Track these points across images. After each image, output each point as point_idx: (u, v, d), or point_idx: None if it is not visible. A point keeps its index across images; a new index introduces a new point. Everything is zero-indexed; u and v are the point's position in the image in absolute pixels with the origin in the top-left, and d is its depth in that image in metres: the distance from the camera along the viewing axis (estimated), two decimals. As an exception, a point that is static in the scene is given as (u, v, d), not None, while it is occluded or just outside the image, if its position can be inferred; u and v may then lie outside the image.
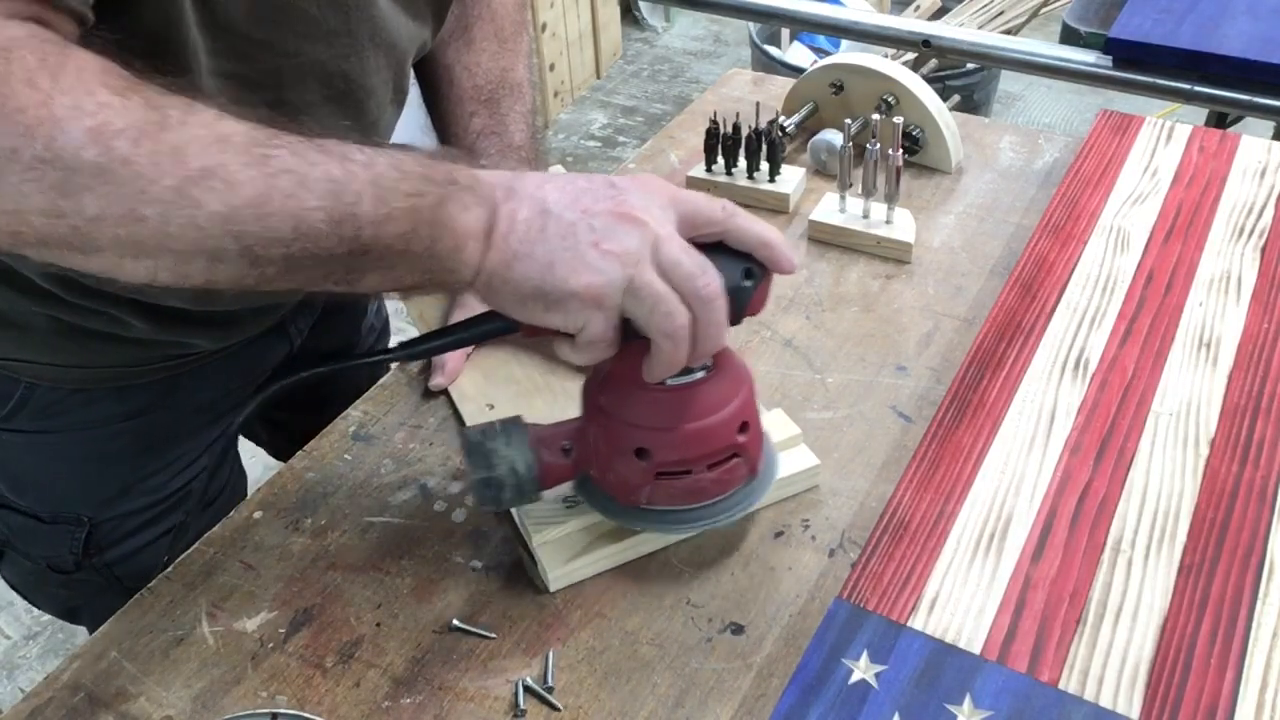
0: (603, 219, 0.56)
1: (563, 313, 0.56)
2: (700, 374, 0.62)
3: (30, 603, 0.96)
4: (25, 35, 0.48)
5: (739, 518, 0.67)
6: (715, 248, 0.59)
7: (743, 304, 0.60)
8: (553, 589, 0.68)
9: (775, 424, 0.74)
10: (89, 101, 0.47)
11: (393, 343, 1.17)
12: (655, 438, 0.62)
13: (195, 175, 0.49)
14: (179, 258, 0.51)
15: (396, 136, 0.90)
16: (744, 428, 0.64)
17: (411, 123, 0.92)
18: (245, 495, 0.97)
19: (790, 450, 0.74)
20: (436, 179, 0.56)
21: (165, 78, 0.51)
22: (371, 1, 0.71)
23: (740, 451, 0.65)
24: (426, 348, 0.65)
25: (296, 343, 0.95)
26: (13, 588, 0.95)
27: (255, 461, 1.16)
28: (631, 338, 0.58)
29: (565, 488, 0.68)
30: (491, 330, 0.63)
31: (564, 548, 0.68)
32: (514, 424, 0.65)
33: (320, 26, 0.68)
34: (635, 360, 0.60)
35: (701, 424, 0.62)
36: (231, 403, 0.92)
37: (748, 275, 0.60)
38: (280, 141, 0.52)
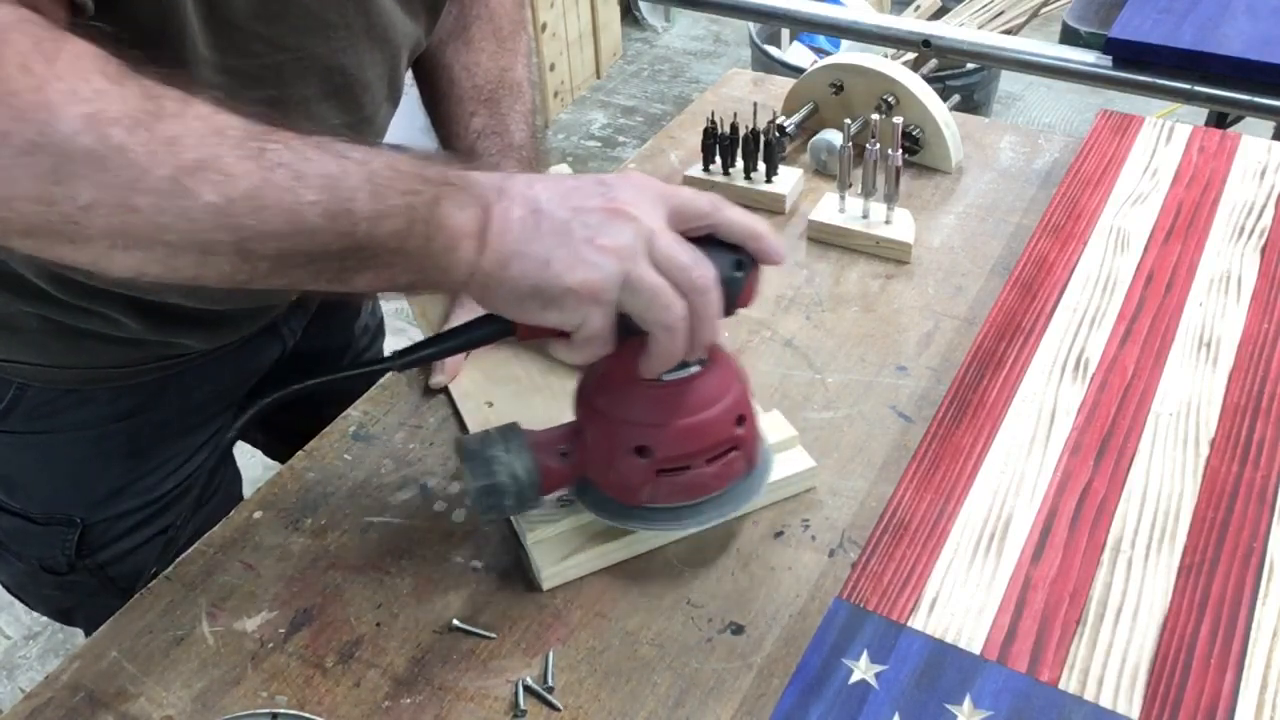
0: (595, 215, 0.57)
1: (560, 310, 0.56)
2: (695, 368, 0.63)
3: (24, 604, 0.96)
4: (18, 19, 0.48)
5: (738, 513, 0.67)
6: (705, 240, 0.59)
7: (734, 294, 0.60)
8: (546, 587, 0.68)
9: (772, 425, 0.74)
10: (85, 88, 0.47)
11: (388, 343, 1.17)
12: (655, 434, 0.63)
13: (190, 166, 0.49)
14: (170, 250, 0.50)
15: (396, 138, 0.90)
16: (741, 420, 0.65)
17: (411, 124, 0.92)
18: (241, 497, 0.97)
19: (787, 452, 0.74)
20: (431, 178, 0.56)
21: (160, 69, 0.51)
22: None
23: (738, 444, 0.65)
24: (420, 356, 0.65)
25: (290, 344, 0.95)
26: (6, 589, 0.94)
27: (255, 461, 1.16)
28: (625, 335, 0.58)
29: None
30: (487, 334, 0.63)
31: (558, 546, 0.68)
32: (512, 430, 0.65)
33: (318, 20, 0.68)
34: (630, 358, 0.60)
35: (700, 417, 0.63)
36: (224, 404, 0.92)
37: (738, 266, 0.60)
38: (277, 136, 0.52)
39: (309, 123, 0.72)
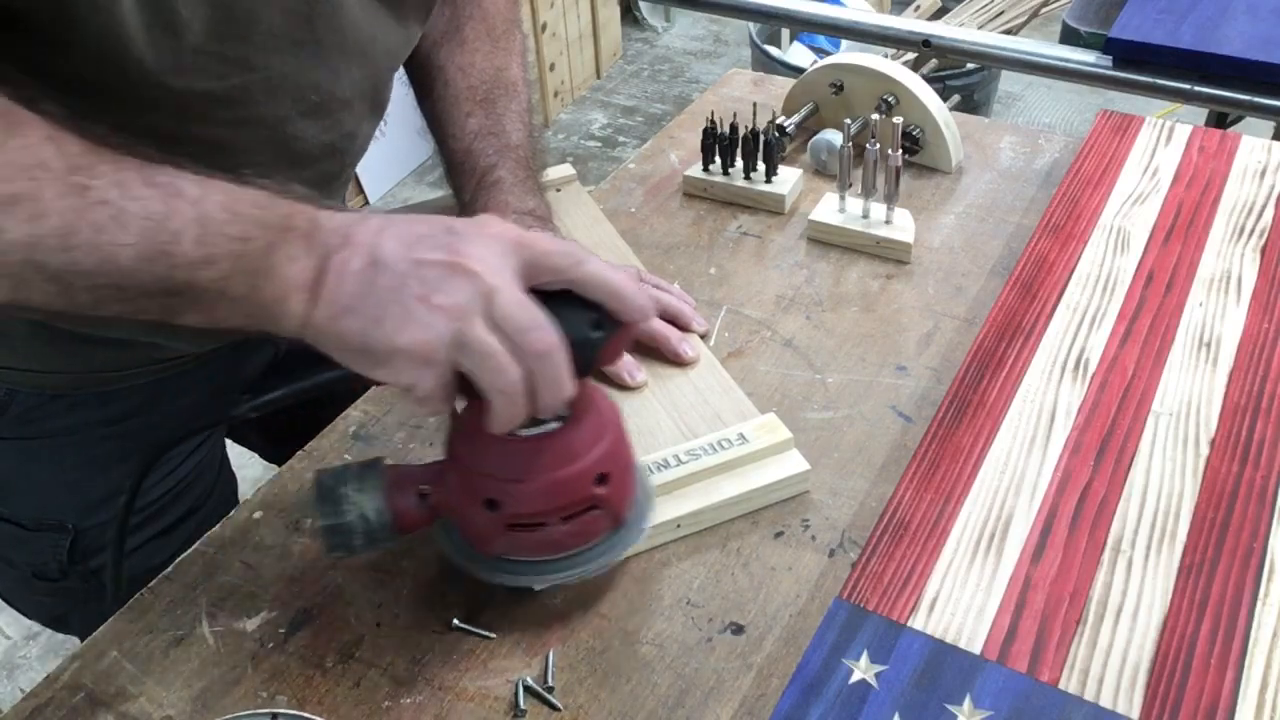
0: (434, 270, 0.54)
1: (390, 369, 0.54)
2: (554, 425, 0.60)
3: (18, 611, 0.96)
4: None
5: (602, 570, 0.65)
6: (566, 296, 0.56)
7: (591, 356, 0.57)
8: (537, 588, 0.68)
9: (768, 428, 0.74)
10: None
11: None
12: (505, 489, 0.60)
13: (3, 199, 0.48)
14: None
15: (395, 138, 0.90)
16: (603, 479, 0.61)
17: (408, 125, 0.92)
18: (236, 501, 0.97)
19: (782, 455, 0.74)
20: (270, 223, 0.54)
21: (5, 91, 0.50)
22: (338, 11, 0.70)
23: (599, 504, 0.62)
24: (270, 399, 0.62)
25: (283, 346, 0.95)
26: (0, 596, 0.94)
27: (255, 461, 1.16)
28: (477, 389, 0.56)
29: None
30: (332, 379, 0.60)
31: None
32: (370, 467, 0.63)
33: (286, 38, 0.67)
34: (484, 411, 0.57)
35: (553, 476, 0.60)
36: (215, 407, 0.92)
37: (596, 326, 0.57)
38: (105, 170, 0.51)
39: (290, 142, 0.72)
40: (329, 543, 0.62)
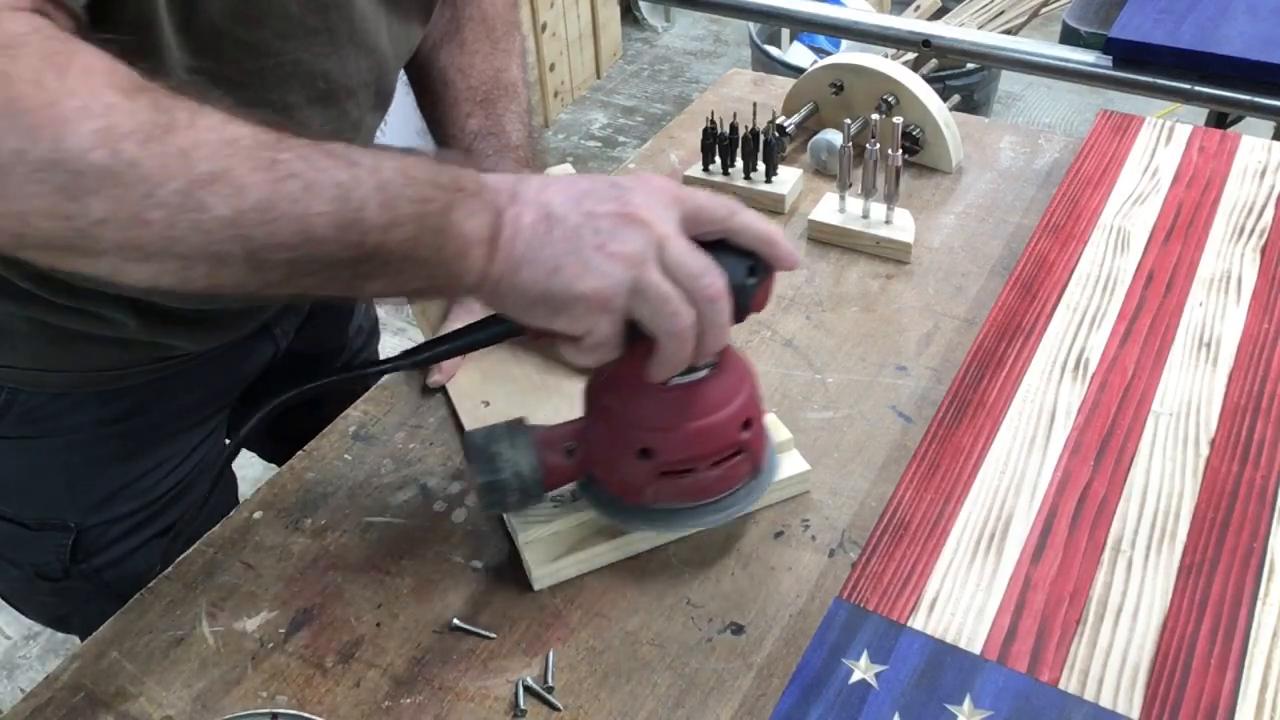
0: (607, 220, 0.56)
1: (569, 317, 0.56)
2: (704, 372, 0.62)
3: (19, 611, 0.96)
4: (29, 30, 0.47)
5: (742, 514, 0.68)
6: (718, 245, 0.59)
7: (746, 301, 0.60)
8: (537, 588, 0.68)
9: (768, 428, 0.74)
10: (97, 102, 0.47)
11: (388, 343, 1.17)
12: (659, 437, 0.63)
13: (203, 179, 0.49)
14: (183, 262, 0.50)
15: (395, 138, 0.90)
16: (748, 424, 0.64)
17: (408, 126, 0.92)
18: (236, 501, 0.97)
19: (782, 455, 0.74)
20: (443, 184, 0.55)
21: (172, 79, 0.51)
22: (349, 1, 0.71)
23: (744, 448, 0.65)
24: (431, 355, 0.65)
25: (282, 345, 0.95)
26: (1, 597, 0.94)
27: (255, 461, 1.16)
28: (634, 338, 0.58)
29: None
30: (497, 334, 0.63)
31: (550, 547, 0.68)
32: (518, 426, 0.66)
33: (299, 25, 0.68)
34: (638, 360, 0.59)
35: (705, 422, 0.63)
36: (216, 405, 0.92)
37: (751, 273, 0.60)
38: (288, 145, 0.52)
39: (297, 130, 0.72)
40: (485, 500, 0.64)
